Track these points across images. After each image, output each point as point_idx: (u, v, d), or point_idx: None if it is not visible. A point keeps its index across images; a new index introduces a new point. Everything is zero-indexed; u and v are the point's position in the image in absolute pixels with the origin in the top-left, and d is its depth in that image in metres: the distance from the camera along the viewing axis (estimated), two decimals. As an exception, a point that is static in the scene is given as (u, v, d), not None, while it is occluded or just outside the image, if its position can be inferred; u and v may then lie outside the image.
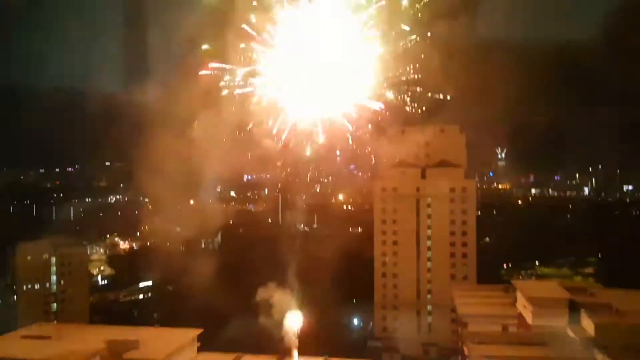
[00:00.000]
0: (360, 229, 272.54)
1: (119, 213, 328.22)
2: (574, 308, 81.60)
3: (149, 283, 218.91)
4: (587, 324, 72.40)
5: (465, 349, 78.72)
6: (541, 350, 67.82)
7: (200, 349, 76.27)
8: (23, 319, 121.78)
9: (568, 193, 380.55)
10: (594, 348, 65.22)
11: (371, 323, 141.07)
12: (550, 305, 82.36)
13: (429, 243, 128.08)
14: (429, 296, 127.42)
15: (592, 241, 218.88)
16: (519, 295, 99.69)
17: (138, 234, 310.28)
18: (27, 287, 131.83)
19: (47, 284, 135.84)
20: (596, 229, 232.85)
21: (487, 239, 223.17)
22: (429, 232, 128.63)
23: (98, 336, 71.17)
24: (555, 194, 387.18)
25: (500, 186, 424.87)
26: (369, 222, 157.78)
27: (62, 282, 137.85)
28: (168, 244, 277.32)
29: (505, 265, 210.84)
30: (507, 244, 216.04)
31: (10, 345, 69.64)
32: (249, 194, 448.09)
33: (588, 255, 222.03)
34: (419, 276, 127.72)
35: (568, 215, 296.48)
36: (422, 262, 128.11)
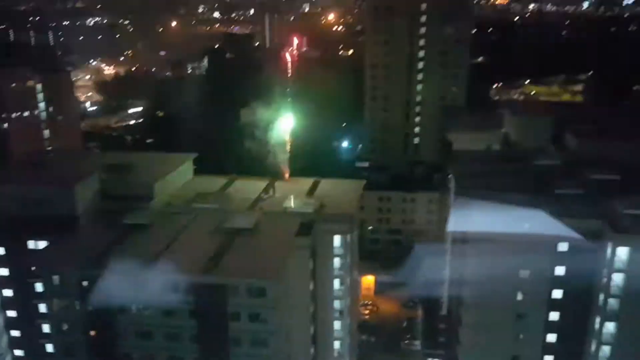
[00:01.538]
0: (351, 51, 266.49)
1: (100, 37, 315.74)
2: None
3: (139, 109, 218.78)
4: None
5: (450, 167, 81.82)
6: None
7: (195, 173, 78.45)
8: (18, 147, 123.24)
9: (567, 7, 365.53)
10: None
11: (360, 145, 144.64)
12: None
13: (420, 65, 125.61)
14: (417, 118, 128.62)
15: (584, 58, 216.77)
16: (506, 114, 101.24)
17: (122, 58, 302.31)
18: (15, 115, 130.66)
19: (36, 111, 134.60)
20: (590, 45, 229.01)
21: (481, 59, 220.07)
22: (421, 52, 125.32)
23: (95, 161, 72.65)
24: (554, 8, 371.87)
25: (497, 1, 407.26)
26: (360, 45, 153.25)
27: (51, 108, 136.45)
28: (154, 69, 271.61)
29: (495, 85, 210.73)
30: (499, 63, 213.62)
31: (8, 172, 71.21)
32: (233, 15, 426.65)
33: (579, 73, 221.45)
34: (409, 99, 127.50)
35: (564, 32, 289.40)
36: (412, 85, 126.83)
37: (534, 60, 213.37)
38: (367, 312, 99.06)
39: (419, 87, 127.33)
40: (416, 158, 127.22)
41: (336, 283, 66.07)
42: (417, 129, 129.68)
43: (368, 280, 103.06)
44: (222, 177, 77.38)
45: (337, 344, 67.88)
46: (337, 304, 66.72)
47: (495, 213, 55.40)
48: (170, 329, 54.39)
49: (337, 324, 67.30)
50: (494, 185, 64.14)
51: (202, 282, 52.71)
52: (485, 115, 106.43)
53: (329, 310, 66.42)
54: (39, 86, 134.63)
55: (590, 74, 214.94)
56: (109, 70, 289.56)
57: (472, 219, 56.94)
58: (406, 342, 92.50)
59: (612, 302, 58.04)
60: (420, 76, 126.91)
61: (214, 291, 52.91)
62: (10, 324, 67.49)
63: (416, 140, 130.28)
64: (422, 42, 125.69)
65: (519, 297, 60.18)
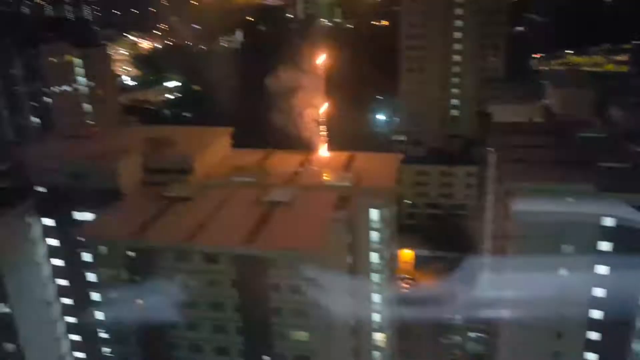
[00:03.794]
0: (386, 22, 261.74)
1: (136, 11, 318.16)
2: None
3: (176, 83, 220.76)
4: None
5: (489, 140, 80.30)
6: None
7: (232, 147, 79.05)
8: (60, 121, 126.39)
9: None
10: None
11: (396, 118, 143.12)
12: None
13: (458, 35, 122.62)
14: (455, 90, 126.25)
15: (630, 26, 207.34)
16: (547, 86, 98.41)
17: (157, 33, 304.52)
18: (57, 89, 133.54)
19: (76, 86, 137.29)
20: (636, 12, 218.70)
21: (521, 28, 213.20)
22: (460, 22, 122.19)
23: (136, 135, 73.75)
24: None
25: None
26: (395, 15, 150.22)
27: (90, 83, 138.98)
28: (189, 42, 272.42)
29: (536, 56, 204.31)
30: (540, 33, 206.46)
31: (53, 146, 73.03)
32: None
33: (624, 42, 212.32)
34: (447, 70, 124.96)
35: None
36: (450, 56, 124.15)
37: (577, 29, 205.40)
38: (406, 285, 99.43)
39: (457, 57, 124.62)
40: (454, 131, 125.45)
41: (374, 256, 66.30)
42: (455, 101, 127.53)
43: (406, 254, 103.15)
44: (259, 151, 77.80)
45: (376, 317, 68.50)
46: (375, 277, 67.08)
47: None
48: (213, 298, 55.75)
49: (376, 297, 67.79)
50: (536, 159, 62.88)
51: (242, 254, 53.63)
52: (526, 87, 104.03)
53: (368, 284, 66.86)
54: (77, 61, 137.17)
55: (636, 42, 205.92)
56: (145, 44, 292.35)
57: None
58: (447, 316, 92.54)
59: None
60: (458, 47, 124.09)
61: (254, 263, 53.85)
62: (62, 292, 70.48)
63: (454, 112, 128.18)
64: (459, 12, 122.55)
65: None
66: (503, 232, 63.33)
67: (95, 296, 65.36)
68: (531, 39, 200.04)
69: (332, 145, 78.33)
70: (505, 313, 63.25)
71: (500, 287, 63.94)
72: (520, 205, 55.63)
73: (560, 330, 59.60)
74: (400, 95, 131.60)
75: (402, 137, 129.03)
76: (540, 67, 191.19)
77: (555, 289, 56.51)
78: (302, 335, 55.24)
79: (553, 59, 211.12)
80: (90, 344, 71.20)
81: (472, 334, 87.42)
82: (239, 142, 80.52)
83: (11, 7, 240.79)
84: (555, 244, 56.76)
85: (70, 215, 64.93)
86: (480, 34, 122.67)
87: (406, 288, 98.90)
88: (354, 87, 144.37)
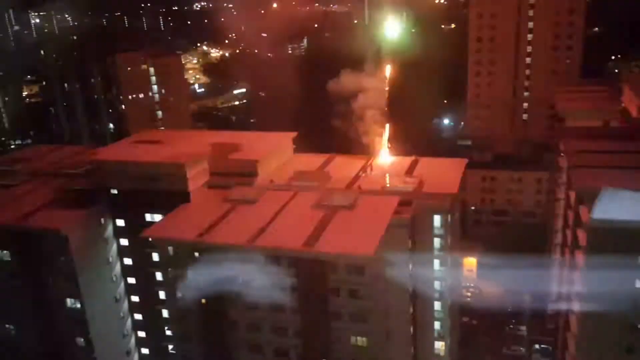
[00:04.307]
0: (453, 25, 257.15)
1: (206, 20, 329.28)
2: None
3: (243, 90, 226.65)
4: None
5: (561, 145, 76.81)
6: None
7: (295, 151, 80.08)
8: (133, 126, 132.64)
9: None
10: None
11: (462, 122, 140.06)
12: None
13: (529, 36, 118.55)
14: (525, 93, 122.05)
15: None
16: (625, 88, 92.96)
17: (226, 41, 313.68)
18: (132, 97, 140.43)
19: (150, 93, 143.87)
20: None
21: (597, 29, 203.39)
22: (530, 24, 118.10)
23: (204, 140, 76.13)
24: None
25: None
26: (463, 18, 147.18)
27: (162, 91, 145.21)
28: (256, 50, 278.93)
29: (613, 57, 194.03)
30: (618, 34, 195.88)
31: (126, 150, 76.65)
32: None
33: None
34: (516, 72, 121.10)
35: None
36: (521, 58, 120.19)
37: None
38: (469, 294, 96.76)
39: (528, 60, 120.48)
40: (524, 135, 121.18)
41: (436, 263, 64.94)
42: (525, 105, 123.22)
43: (470, 262, 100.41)
44: (321, 155, 78.31)
45: (437, 325, 67.01)
46: (437, 284, 65.66)
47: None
48: (273, 300, 56.41)
49: (437, 305, 66.33)
50: (610, 164, 59.51)
51: (303, 257, 53.99)
52: (602, 90, 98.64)
53: (429, 291, 65.55)
54: (152, 69, 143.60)
55: None
56: (215, 53, 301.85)
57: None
58: (511, 326, 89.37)
59: None
60: (529, 49, 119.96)
61: (315, 266, 54.07)
62: (130, 289, 73.64)
63: (524, 116, 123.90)
64: (531, 13, 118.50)
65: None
66: (574, 241, 60.26)
67: (161, 294, 67.67)
68: (608, 40, 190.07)
69: (396, 150, 77.72)
70: (573, 325, 60.12)
71: (568, 299, 60.94)
72: (593, 213, 52.74)
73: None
74: (467, 98, 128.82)
75: (468, 142, 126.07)
76: (618, 70, 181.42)
77: (630, 305, 53.19)
78: (360, 340, 54.90)
79: (632, 61, 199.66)
80: (155, 340, 73.84)
81: (538, 346, 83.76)
82: (302, 146, 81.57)
83: (92, 20, 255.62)
84: (630, 255, 53.33)
85: (140, 216, 67.81)
86: (553, 36, 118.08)
87: (469, 296, 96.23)
88: (420, 92, 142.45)
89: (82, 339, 69.27)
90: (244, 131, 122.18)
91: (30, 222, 66.15)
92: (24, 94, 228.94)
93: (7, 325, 73.16)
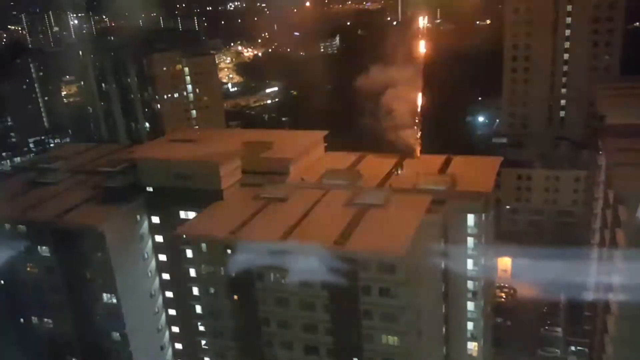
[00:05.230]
0: (488, 21, 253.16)
1: (240, 20, 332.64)
2: None
3: (275, 89, 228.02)
4: None
5: (600, 143, 74.74)
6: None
7: (326, 149, 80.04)
8: (168, 125, 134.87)
9: None
10: None
11: (497, 120, 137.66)
12: None
13: (567, 32, 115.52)
14: (563, 90, 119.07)
15: None
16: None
17: (259, 41, 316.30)
18: (167, 96, 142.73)
19: (185, 93, 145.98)
20: None
21: (637, 24, 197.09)
22: (568, 19, 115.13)
23: (237, 139, 76.87)
24: None
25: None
26: (498, 13, 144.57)
27: (197, 90, 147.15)
28: (288, 50, 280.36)
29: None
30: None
31: (161, 149, 78.04)
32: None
33: None
34: (554, 69, 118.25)
35: None
36: (558, 54, 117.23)
37: None
38: (503, 295, 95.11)
39: (566, 56, 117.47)
40: (561, 133, 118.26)
41: (469, 263, 64.02)
42: (563, 102, 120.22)
43: (505, 262, 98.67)
44: (352, 154, 78.06)
45: (470, 325, 66.10)
46: (470, 284, 64.75)
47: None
48: (304, 297, 56.58)
49: (470, 305, 65.43)
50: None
51: (334, 255, 53.92)
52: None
53: (462, 291, 64.70)
54: (186, 69, 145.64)
55: None
56: (248, 52, 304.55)
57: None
58: (546, 327, 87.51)
59: None
60: (567, 44, 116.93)
61: (345, 264, 53.93)
62: (165, 285, 74.96)
63: (562, 113, 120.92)
64: (569, 8, 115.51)
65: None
66: (612, 241, 58.52)
67: (195, 290, 68.65)
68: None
69: (430, 148, 76.76)
70: (610, 327, 58.42)
71: (606, 301, 59.24)
72: (632, 213, 51.11)
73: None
74: (502, 95, 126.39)
75: (503, 140, 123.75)
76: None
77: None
78: (392, 339, 54.54)
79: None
80: (188, 335, 74.96)
81: (573, 348, 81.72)
82: (333, 144, 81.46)
83: (129, 21, 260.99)
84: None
85: (175, 213, 68.90)
86: (592, 31, 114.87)
87: (503, 297, 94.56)
88: (454, 89, 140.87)
89: (118, 334, 70.73)
90: (276, 130, 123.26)
91: (68, 218, 67.92)
92: (63, 93, 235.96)
93: (45, 319, 75.33)
